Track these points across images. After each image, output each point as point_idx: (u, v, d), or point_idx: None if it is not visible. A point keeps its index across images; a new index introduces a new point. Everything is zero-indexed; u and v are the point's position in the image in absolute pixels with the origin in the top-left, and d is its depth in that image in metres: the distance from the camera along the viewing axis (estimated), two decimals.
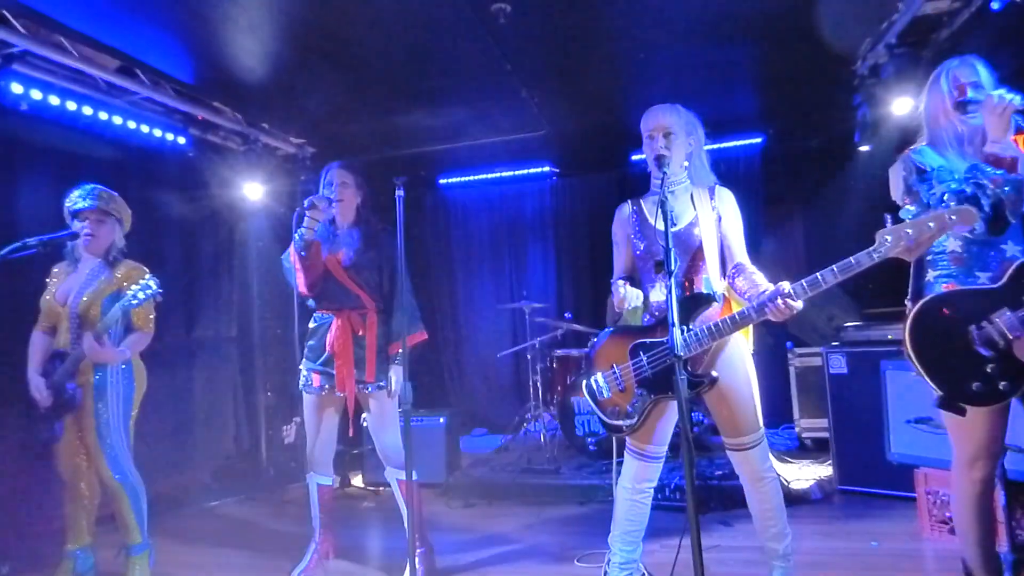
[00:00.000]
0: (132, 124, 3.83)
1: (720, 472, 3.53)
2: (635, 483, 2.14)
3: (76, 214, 2.64)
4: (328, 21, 3.13)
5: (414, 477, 2.38)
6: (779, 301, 1.85)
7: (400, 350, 2.59)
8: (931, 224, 1.73)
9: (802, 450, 4.29)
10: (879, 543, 2.82)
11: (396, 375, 2.64)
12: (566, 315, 5.06)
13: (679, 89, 4.10)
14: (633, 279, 2.28)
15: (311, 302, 2.77)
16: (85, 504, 2.68)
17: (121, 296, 2.54)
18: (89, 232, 2.62)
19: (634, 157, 5.43)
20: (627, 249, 2.24)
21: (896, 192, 2.02)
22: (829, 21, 3.41)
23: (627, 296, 2.05)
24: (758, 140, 5.26)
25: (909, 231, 1.74)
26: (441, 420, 4.21)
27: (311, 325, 2.77)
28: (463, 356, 6.15)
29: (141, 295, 2.47)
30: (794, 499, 3.32)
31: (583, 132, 5.11)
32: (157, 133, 4.00)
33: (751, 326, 2.12)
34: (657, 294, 2.16)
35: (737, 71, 4.11)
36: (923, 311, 1.83)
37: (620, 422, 2.06)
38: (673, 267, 1.74)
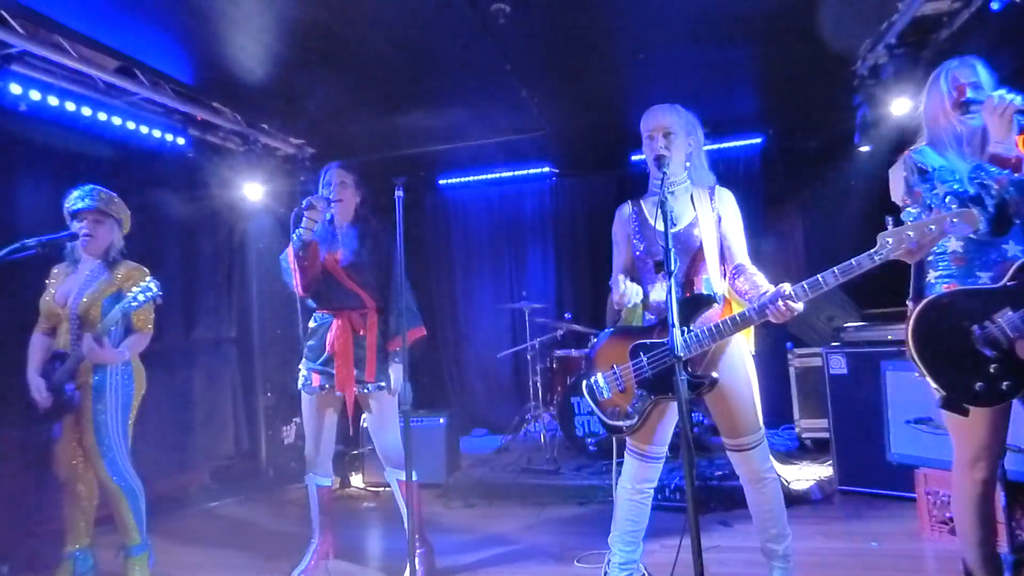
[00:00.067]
0: (131, 124, 3.83)
1: (720, 472, 3.53)
2: (635, 483, 2.14)
3: (74, 214, 2.64)
4: (328, 21, 3.12)
5: (414, 477, 2.38)
6: (780, 303, 1.85)
7: (399, 347, 2.59)
8: (932, 227, 1.73)
9: (802, 450, 4.28)
10: (879, 543, 2.82)
11: (395, 373, 2.64)
12: (566, 315, 5.06)
13: (679, 89, 4.09)
14: (633, 280, 2.28)
15: (310, 302, 2.76)
16: (83, 505, 2.68)
17: (121, 297, 2.53)
18: (87, 232, 2.62)
19: (634, 157, 5.43)
20: (627, 249, 2.24)
21: (896, 193, 2.02)
22: (829, 21, 3.41)
23: (627, 291, 2.04)
24: (758, 140, 5.26)
25: (910, 233, 1.74)
26: (441, 420, 4.21)
27: (311, 325, 2.77)
28: (463, 356, 6.15)
29: (141, 297, 2.47)
30: (794, 499, 3.33)
31: (583, 132, 5.10)
32: (156, 134, 3.99)
33: (752, 328, 2.12)
34: (657, 294, 2.16)
35: (737, 71, 4.11)
36: (925, 311, 1.83)
37: (620, 423, 2.06)
38: (673, 268, 1.74)
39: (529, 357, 4.80)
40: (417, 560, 2.40)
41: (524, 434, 5.02)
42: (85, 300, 2.59)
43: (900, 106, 3.68)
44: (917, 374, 1.84)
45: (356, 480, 4.35)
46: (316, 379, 2.69)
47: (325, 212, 2.63)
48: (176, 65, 3.65)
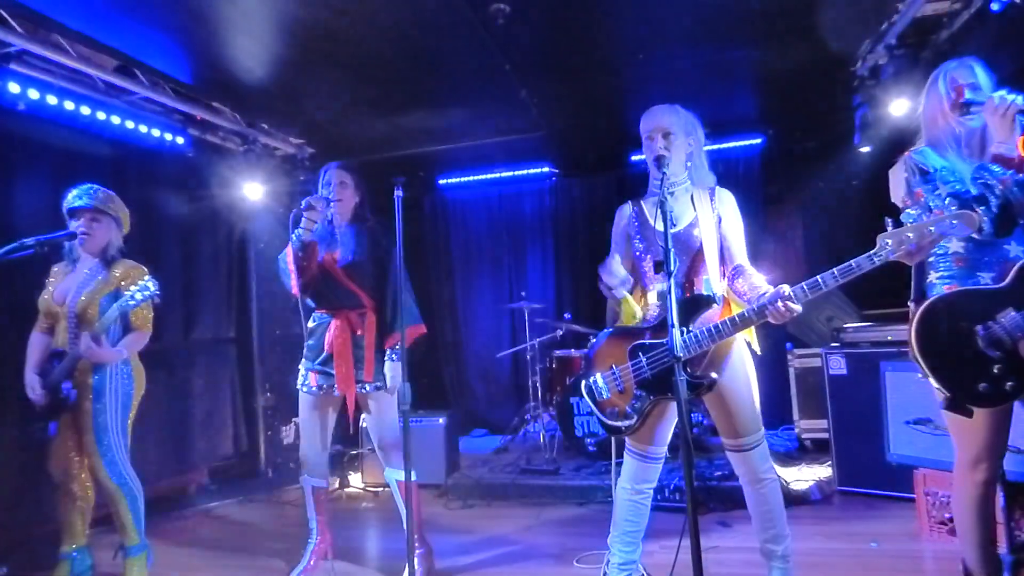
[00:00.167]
0: (130, 124, 3.82)
1: (719, 473, 3.53)
2: (634, 484, 2.14)
3: (72, 213, 2.64)
4: (328, 21, 3.12)
5: (413, 478, 2.37)
6: (779, 304, 1.85)
7: (396, 344, 2.59)
8: (932, 228, 1.73)
9: (802, 451, 4.28)
10: (878, 544, 2.82)
11: (393, 371, 2.62)
12: (565, 316, 5.06)
13: (678, 90, 4.10)
14: (632, 281, 2.28)
15: (309, 301, 2.76)
16: (79, 505, 2.67)
17: (119, 295, 2.53)
18: (84, 231, 2.62)
19: (634, 158, 5.44)
20: (625, 249, 2.24)
21: (896, 194, 2.02)
22: (829, 22, 3.41)
23: (614, 270, 2.02)
24: (758, 141, 5.26)
25: (910, 235, 1.74)
26: (440, 421, 4.21)
27: (310, 325, 2.77)
28: (462, 357, 6.15)
29: (139, 296, 2.47)
30: (794, 500, 3.33)
31: (582, 132, 5.10)
32: (156, 133, 3.98)
33: (754, 329, 2.12)
34: (656, 295, 2.16)
35: (737, 72, 4.11)
36: (928, 313, 1.83)
37: (619, 423, 2.06)
38: (673, 268, 1.74)
39: (528, 357, 4.80)
40: (416, 560, 2.39)
41: (523, 434, 5.02)
42: (83, 298, 2.59)
43: (900, 107, 3.68)
44: (920, 375, 1.83)
45: (355, 480, 4.35)
46: (314, 379, 2.68)
47: (324, 213, 2.62)
48: (175, 64, 3.65)
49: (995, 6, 2.85)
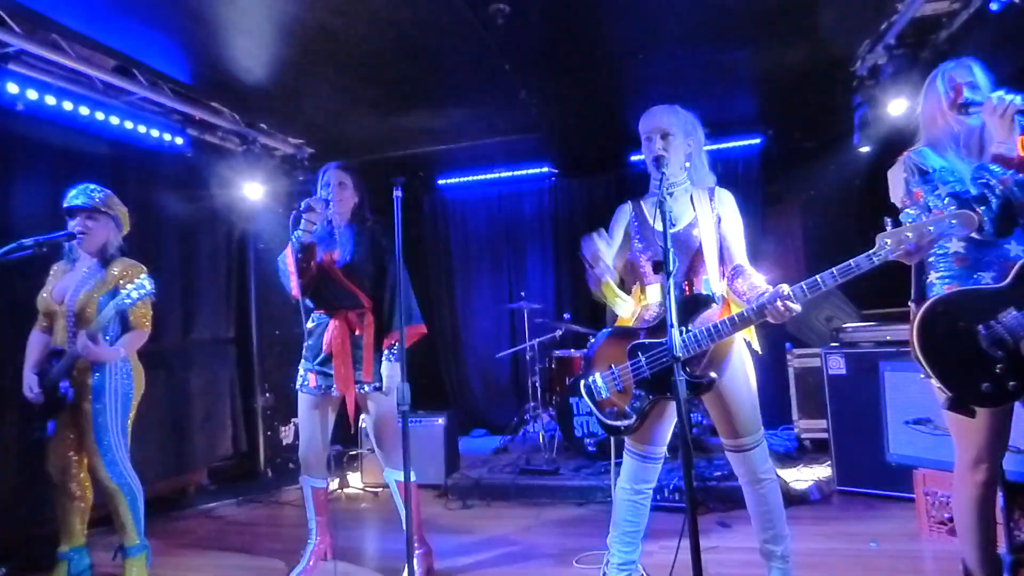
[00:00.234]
0: (129, 124, 3.82)
1: (719, 473, 3.53)
2: (634, 484, 2.14)
3: (69, 212, 2.64)
4: (326, 22, 3.12)
5: (412, 478, 2.37)
6: (778, 303, 1.85)
7: (394, 344, 2.58)
8: (931, 228, 1.73)
9: (801, 451, 4.28)
10: (878, 544, 2.82)
11: (390, 371, 2.62)
12: (565, 316, 5.06)
13: (678, 90, 4.10)
14: (630, 280, 2.28)
15: (308, 302, 2.76)
16: (77, 505, 2.67)
17: (117, 294, 2.53)
18: (80, 230, 2.62)
19: (633, 158, 5.44)
20: (621, 245, 2.22)
21: (896, 194, 2.02)
22: (828, 22, 3.41)
23: (599, 247, 2.01)
24: (757, 141, 5.26)
25: (909, 235, 1.74)
26: (440, 421, 4.20)
27: (309, 325, 2.77)
28: (462, 357, 6.15)
29: (135, 294, 2.47)
30: (793, 500, 3.33)
31: (582, 132, 5.10)
32: (155, 133, 3.99)
33: (754, 329, 2.12)
34: (655, 295, 2.16)
35: (736, 72, 4.11)
36: (930, 313, 1.83)
37: (618, 423, 2.06)
38: (672, 268, 1.74)
39: (528, 357, 4.80)
40: (416, 561, 2.39)
41: (523, 434, 5.03)
42: (81, 297, 2.59)
43: (899, 107, 3.68)
44: (923, 376, 1.83)
45: (355, 480, 4.35)
46: (313, 379, 2.68)
47: (324, 214, 2.62)
48: (175, 65, 3.64)
49: (994, 6, 2.85)
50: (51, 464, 2.64)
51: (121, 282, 2.59)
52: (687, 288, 2.11)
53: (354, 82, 3.87)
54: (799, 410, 4.33)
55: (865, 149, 4.27)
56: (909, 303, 2.00)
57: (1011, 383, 1.72)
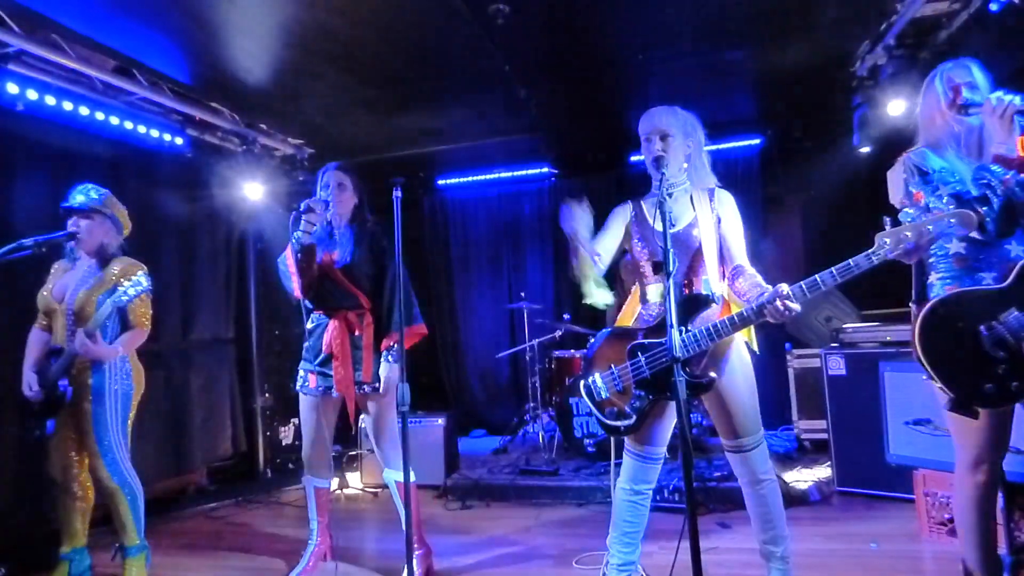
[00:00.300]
0: (129, 124, 3.82)
1: (719, 474, 3.53)
2: (633, 484, 2.14)
3: (67, 213, 2.65)
4: (327, 22, 3.12)
5: (412, 478, 2.37)
6: (777, 303, 1.84)
7: (392, 345, 2.58)
8: (930, 227, 1.73)
9: (801, 451, 4.28)
10: (878, 544, 2.81)
11: (388, 372, 2.61)
12: (564, 316, 5.07)
13: (678, 90, 4.11)
14: (629, 279, 2.27)
15: (307, 302, 2.76)
16: (78, 505, 2.67)
17: (116, 292, 2.53)
18: (76, 230, 2.62)
19: (633, 158, 5.44)
20: (615, 237, 2.20)
21: (895, 195, 2.02)
22: (828, 23, 3.41)
23: (578, 215, 1.99)
24: (757, 141, 5.27)
25: (908, 234, 1.74)
26: (439, 421, 4.20)
27: (308, 326, 2.76)
28: (461, 357, 6.14)
29: (132, 291, 2.47)
30: (793, 500, 3.32)
31: (582, 133, 5.11)
32: (154, 134, 3.99)
33: (753, 329, 2.12)
34: (655, 295, 2.16)
35: (736, 72, 4.11)
36: (931, 314, 1.82)
37: (618, 423, 2.06)
38: (672, 268, 1.73)
39: (528, 358, 4.80)
40: (415, 561, 2.39)
41: (523, 435, 5.02)
42: (81, 296, 2.59)
43: (898, 107, 3.68)
44: (925, 377, 1.83)
45: (354, 481, 4.34)
46: (313, 380, 2.68)
47: (323, 214, 2.62)
48: (174, 65, 3.65)
49: (994, 6, 2.85)
50: (53, 465, 2.64)
51: (121, 281, 2.59)
52: (687, 288, 2.11)
53: (354, 82, 3.87)
54: (799, 411, 4.33)
55: (865, 149, 4.27)
56: (910, 304, 1.99)
57: (1013, 383, 1.72)
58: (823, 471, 3.73)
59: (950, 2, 3.27)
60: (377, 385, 2.63)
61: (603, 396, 2.09)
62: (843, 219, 4.84)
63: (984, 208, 1.75)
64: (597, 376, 2.10)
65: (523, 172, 5.88)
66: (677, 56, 3.76)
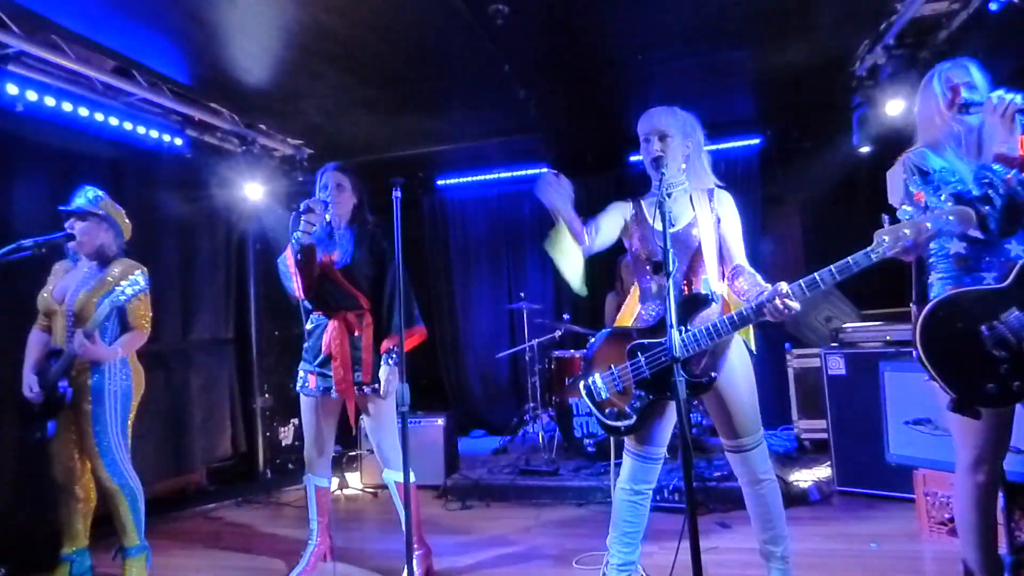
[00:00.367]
0: (129, 125, 3.82)
1: (719, 473, 3.53)
2: (633, 484, 2.14)
3: (65, 215, 2.65)
4: (326, 22, 3.12)
5: (412, 479, 2.37)
6: (777, 301, 1.84)
7: (391, 348, 2.58)
8: (929, 225, 1.73)
9: (801, 451, 4.28)
10: (878, 544, 2.81)
11: (388, 374, 2.61)
12: (564, 316, 5.06)
13: (677, 90, 4.11)
14: (627, 276, 2.26)
15: (307, 303, 2.76)
16: (79, 507, 2.67)
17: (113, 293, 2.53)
18: (73, 233, 2.62)
19: (633, 158, 5.43)
20: (613, 222, 2.18)
21: (895, 195, 2.01)
22: (827, 22, 3.41)
23: (561, 190, 1.97)
24: (756, 141, 5.26)
25: (907, 231, 1.74)
26: (439, 422, 4.20)
27: (308, 326, 2.76)
28: (461, 357, 6.14)
29: (129, 291, 2.47)
30: (793, 500, 3.32)
31: (581, 133, 5.11)
32: (154, 134, 3.99)
33: (751, 328, 2.11)
34: (655, 294, 2.16)
35: (735, 72, 4.11)
36: (932, 314, 1.82)
37: (618, 423, 2.06)
38: (672, 268, 1.73)
39: (527, 358, 4.80)
40: (415, 561, 2.39)
41: (522, 435, 5.02)
42: (81, 297, 2.59)
43: (898, 107, 3.68)
44: (927, 378, 1.82)
45: (354, 481, 4.34)
46: (313, 381, 2.68)
47: (323, 215, 2.62)
48: (174, 66, 3.64)
49: (993, 6, 2.85)
50: (55, 467, 2.64)
51: (120, 282, 2.59)
52: (686, 288, 2.11)
53: (354, 82, 3.87)
54: (799, 410, 4.33)
55: (865, 149, 4.27)
56: (910, 304, 1.99)
57: (1015, 383, 1.72)
58: (823, 471, 3.73)
59: (949, 2, 3.27)
60: (377, 386, 2.63)
61: (603, 396, 2.09)
62: (842, 219, 4.84)
63: (986, 208, 1.75)
64: (597, 376, 2.10)
65: (523, 172, 5.88)
66: (676, 56, 3.76)
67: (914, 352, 1.85)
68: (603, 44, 3.64)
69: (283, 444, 4.95)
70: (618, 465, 2.28)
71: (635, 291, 2.26)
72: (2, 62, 3.13)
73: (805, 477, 3.68)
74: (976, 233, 1.78)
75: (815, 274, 1.83)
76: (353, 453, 4.44)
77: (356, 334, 2.65)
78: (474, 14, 3.10)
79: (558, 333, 4.84)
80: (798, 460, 4.10)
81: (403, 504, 2.51)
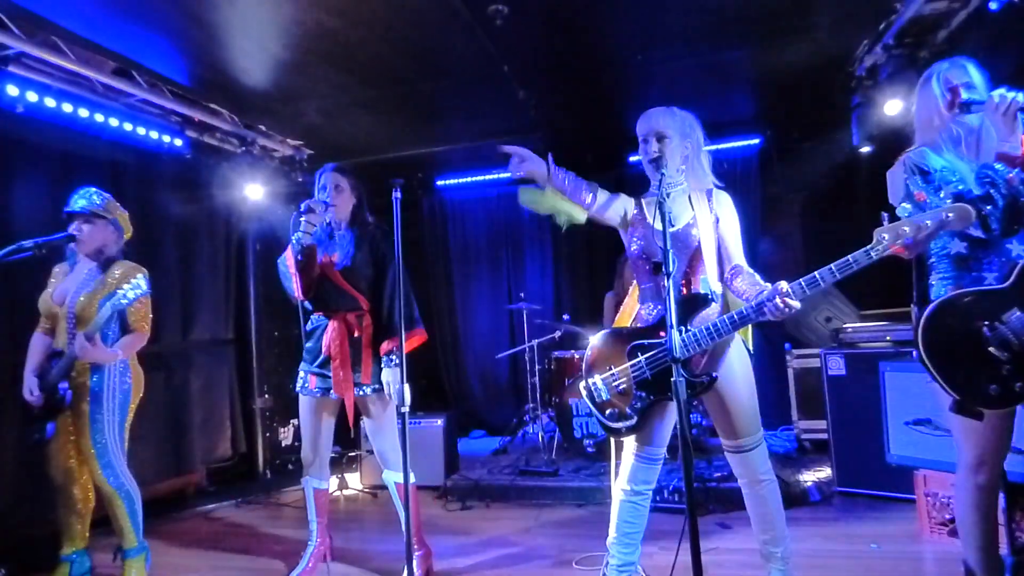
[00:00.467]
0: (129, 126, 3.83)
1: (719, 474, 3.52)
2: (633, 485, 2.13)
3: (68, 216, 2.65)
4: (325, 23, 3.12)
5: (412, 479, 2.37)
6: (777, 300, 1.84)
7: (392, 351, 2.58)
8: (928, 222, 1.73)
9: (801, 452, 4.28)
10: (878, 545, 2.81)
11: (390, 376, 2.61)
12: (564, 317, 5.06)
13: (676, 91, 4.11)
14: (626, 274, 2.26)
15: (307, 304, 2.75)
16: (78, 508, 2.67)
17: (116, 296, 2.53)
18: (77, 234, 2.62)
19: (632, 158, 5.42)
20: (618, 205, 2.18)
21: (895, 195, 2.01)
22: (827, 22, 3.41)
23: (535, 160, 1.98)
24: (756, 141, 5.26)
25: (906, 229, 1.74)
26: (439, 422, 4.20)
27: (308, 327, 2.76)
28: (461, 358, 6.14)
29: (131, 294, 2.46)
30: (793, 501, 3.32)
31: (581, 133, 5.11)
32: (154, 135, 3.99)
33: (750, 328, 2.11)
34: (654, 294, 2.15)
35: (735, 72, 4.11)
36: (934, 315, 1.81)
37: (619, 424, 2.06)
38: (672, 268, 1.73)
39: (527, 358, 4.79)
40: (415, 562, 2.39)
41: (522, 436, 5.02)
42: (82, 299, 2.59)
43: (898, 107, 3.68)
44: (929, 381, 1.82)
45: (354, 482, 4.34)
46: (313, 381, 2.68)
47: (323, 215, 2.62)
48: (174, 66, 3.65)
49: (993, 5, 2.85)
50: (53, 468, 2.64)
51: (122, 284, 2.59)
52: (685, 287, 2.11)
53: (353, 83, 3.87)
54: (799, 411, 4.32)
55: (865, 149, 4.27)
56: (911, 305, 1.99)
57: (1017, 384, 1.71)
58: (823, 471, 3.73)
59: (949, 1, 3.27)
60: (377, 387, 2.63)
61: (604, 397, 2.08)
62: (842, 218, 4.84)
63: (988, 207, 1.74)
64: (598, 378, 2.10)
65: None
66: (676, 56, 3.76)
67: (914, 352, 1.84)
68: (603, 44, 3.64)
69: (283, 445, 4.95)
70: (618, 466, 2.28)
71: (634, 291, 2.26)
72: (2, 63, 3.13)
73: (805, 477, 3.67)
74: (977, 232, 1.78)
75: (815, 273, 1.83)
76: (353, 454, 4.44)
77: (356, 335, 2.64)
78: (474, 14, 3.10)
79: (558, 333, 4.84)
80: (798, 460, 4.10)
81: (403, 505, 2.51)
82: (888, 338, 3.48)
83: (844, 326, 3.78)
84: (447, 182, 6.09)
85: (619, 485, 2.18)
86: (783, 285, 1.85)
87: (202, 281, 4.47)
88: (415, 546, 2.59)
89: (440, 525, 3.47)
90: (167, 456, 4.07)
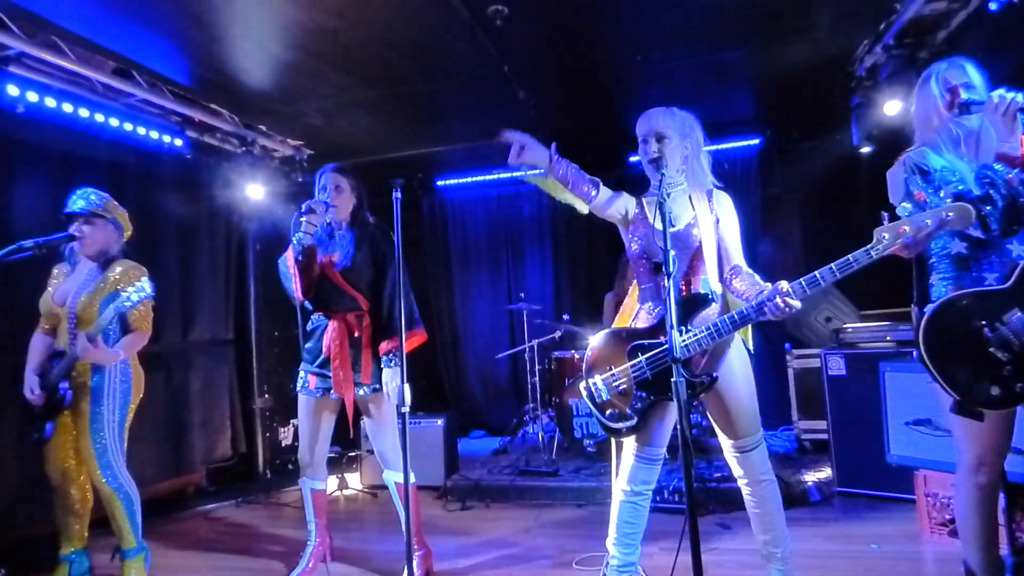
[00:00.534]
0: (129, 126, 3.83)
1: (719, 474, 3.52)
2: (633, 485, 2.13)
3: (69, 217, 2.64)
4: (325, 23, 3.12)
5: (412, 479, 2.37)
6: (778, 300, 1.84)
7: (391, 351, 2.58)
8: (928, 221, 1.73)
9: (801, 452, 4.28)
10: (878, 546, 2.81)
11: (391, 377, 2.61)
12: (564, 317, 5.06)
13: (676, 91, 4.11)
14: (627, 275, 2.26)
15: (307, 304, 2.75)
16: (76, 508, 2.67)
17: (118, 297, 2.53)
18: (78, 235, 2.62)
19: (632, 158, 5.43)
20: (621, 203, 2.18)
21: (895, 195, 2.00)
22: (827, 22, 3.41)
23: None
24: (756, 141, 5.26)
25: (906, 228, 1.74)
26: (439, 422, 4.20)
27: (308, 328, 2.76)
28: (461, 358, 6.14)
29: (135, 297, 2.46)
30: (793, 501, 3.32)
31: (581, 134, 5.10)
32: (154, 135, 3.99)
33: (750, 328, 2.11)
34: (654, 294, 2.15)
35: (735, 73, 4.11)
36: (935, 315, 1.81)
37: (619, 424, 2.06)
38: (672, 268, 1.73)
39: (527, 358, 4.79)
40: (415, 562, 2.38)
41: (522, 436, 5.02)
42: (83, 300, 2.59)
43: (897, 107, 3.68)
44: (930, 381, 1.82)
45: (354, 482, 4.34)
46: (313, 381, 2.68)
47: (324, 216, 2.62)
48: (174, 67, 3.65)
49: (993, 5, 2.85)
50: (51, 468, 2.64)
51: (121, 284, 2.59)
52: (684, 288, 2.11)
53: (353, 83, 3.87)
54: (799, 411, 4.32)
55: (864, 149, 4.27)
56: (911, 305, 1.98)
57: (1018, 385, 1.71)
58: (823, 471, 3.73)
59: (949, 2, 3.27)
60: (377, 387, 2.63)
61: (604, 398, 2.08)
62: (842, 218, 4.83)
63: (988, 207, 1.74)
64: (598, 378, 2.10)
65: (522, 173, 5.86)
66: (676, 56, 3.76)
67: (915, 353, 1.84)
68: (603, 44, 3.64)
69: (283, 445, 4.95)
70: (618, 466, 2.28)
71: (634, 291, 2.25)
72: (3, 63, 3.13)
73: (805, 478, 3.67)
74: (976, 233, 1.77)
75: (815, 272, 1.83)
76: (353, 454, 4.44)
77: (356, 335, 2.64)
78: (474, 14, 3.10)
79: (558, 333, 4.84)
80: (798, 461, 4.09)
81: (403, 505, 2.50)
82: (888, 338, 3.48)
83: (844, 326, 3.78)
84: (447, 182, 6.09)
85: (619, 485, 2.18)
86: (783, 284, 1.85)
87: (202, 281, 4.48)
88: (415, 546, 2.59)
89: (440, 525, 3.47)
90: (167, 456, 4.07)
